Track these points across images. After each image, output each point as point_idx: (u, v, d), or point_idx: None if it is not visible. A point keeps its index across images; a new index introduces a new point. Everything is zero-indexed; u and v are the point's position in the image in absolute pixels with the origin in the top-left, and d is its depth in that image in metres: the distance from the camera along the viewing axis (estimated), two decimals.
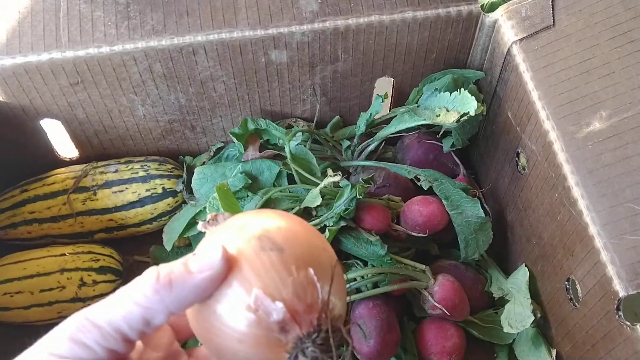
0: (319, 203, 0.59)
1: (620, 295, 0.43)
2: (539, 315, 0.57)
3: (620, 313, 0.44)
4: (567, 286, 0.51)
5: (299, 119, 0.69)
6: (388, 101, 0.69)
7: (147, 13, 0.58)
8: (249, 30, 0.58)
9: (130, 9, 0.58)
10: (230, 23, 0.58)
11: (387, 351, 0.58)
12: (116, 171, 0.66)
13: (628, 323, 0.43)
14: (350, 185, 0.58)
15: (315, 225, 0.59)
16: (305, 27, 0.59)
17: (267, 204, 0.61)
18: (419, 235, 0.61)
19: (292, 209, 0.60)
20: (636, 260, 0.43)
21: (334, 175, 0.59)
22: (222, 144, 0.71)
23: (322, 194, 0.59)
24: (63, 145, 0.68)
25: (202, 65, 0.60)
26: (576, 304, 0.50)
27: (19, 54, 0.57)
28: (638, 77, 0.49)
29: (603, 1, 0.53)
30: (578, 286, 0.49)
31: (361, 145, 0.68)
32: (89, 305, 0.62)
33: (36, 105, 0.61)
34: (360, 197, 0.58)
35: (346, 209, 0.58)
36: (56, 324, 0.65)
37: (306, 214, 0.61)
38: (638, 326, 0.42)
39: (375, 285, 0.60)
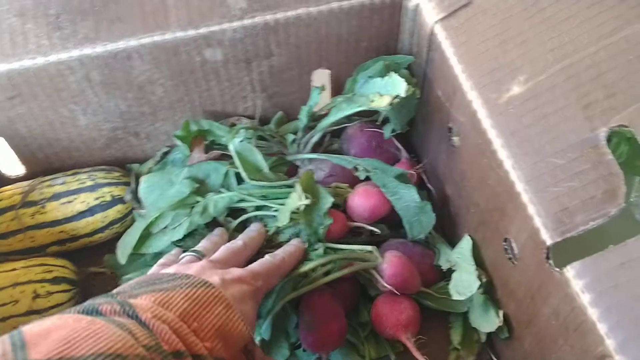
0: (287, 223, 0.59)
1: (548, 244, 0.45)
2: (484, 279, 0.59)
3: (550, 261, 0.46)
4: (505, 246, 0.54)
5: (242, 117, 0.71)
6: (329, 93, 0.71)
7: (78, 22, 0.59)
8: (180, 31, 0.60)
9: (61, 19, 0.59)
10: (161, 25, 0.60)
11: (331, 340, 0.60)
12: (63, 183, 0.66)
13: (557, 269, 0.45)
14: (323, 213, 0.59)
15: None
16: (235, 24, 0.61)
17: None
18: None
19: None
20: (559, 209, 0.46)
21: (305, 199, 0.59)
22: (168, 148, 0.72)
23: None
24: (7, 162, 0.68)
25: (138, 69, 0.62)
26: (514, 261, 0.53)
27: None
28: (549, 42, 0.52)
29: None
30: (514, 244, 0.52)
31: (305, 138, 0.70)
32: (44, 317, 0.62)
33: None
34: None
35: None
36: None
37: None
38: (565, 270, 0.44)
39: (328, 274, 0.61)
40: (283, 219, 0.58)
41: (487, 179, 0.54)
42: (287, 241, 0.60)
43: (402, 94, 0.58)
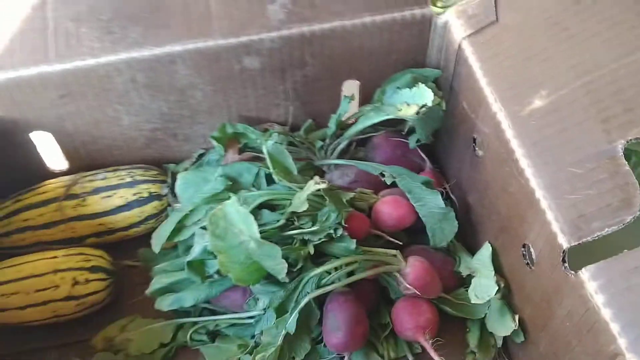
0: (305, 208, 0.62)
1: (564, 248, 0.48)
2: (502, 285, 0.61)
3: (566, 264, 0.48)
4: (524, 252, 0.56)
5: (274, 123, 0.75)
6: (357, 103, 0.75)
7: (128, 27, 0.63)
8: (222, 39, 0.64)
9: (113, 25, 0.63)
10: (205, 33, 0.64)
11: (354, 342, 0.62)
12: (104, 178, 0.70)
13: (572, 272, 0.47)
14: (335, 207, 0.61)
15: (296, 235, 0.63)
16: (273, 35, 0.65)
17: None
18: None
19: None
20: (576, 216, 0.48)
21: (320, 182, 0.62)
22: (203, 151, 0.76)
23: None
24: (53, 157, 0.72)
25: (181, 73, 0.66)
26: (531, 267, 0.55)
27: (11, 69, 0.62)
28: (571, 59, 0.55)
29: None
30: (532, 249, 0.54)
31: (332, 145, 0.74)
32: (82, 302, 0.66)
33: (27, 118, 0.66)
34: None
35: (335, 229, 0.62)
36: (50, 323, 0.69)
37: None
38: (580, 272, 0.46)
39: (351, 275, 0.64)
40: (299, 205, 0.61)
41: (508, 187, 0.56)
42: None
43: (429, 104, 0.61)
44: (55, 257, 0.65)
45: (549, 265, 0.51)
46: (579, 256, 0.47)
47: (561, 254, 0.48)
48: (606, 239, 0.47)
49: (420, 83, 0.64)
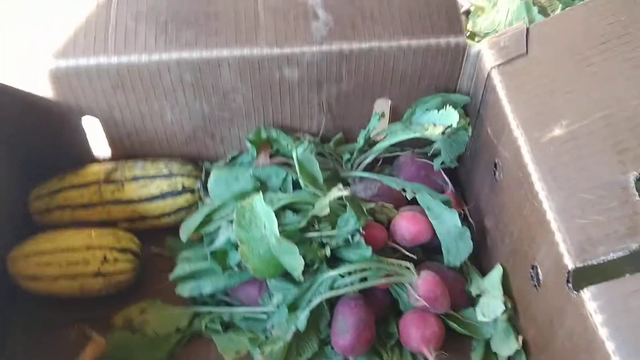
0: (327, 213, 0.66)
1: (569, 268, 0.50)
2: (509, 305, 0.63)
3: (570, 284, 0.50)
4: (532, 274, 0.58)
5: (306, 133, 0.78)
6: (387, 121, 0.78)
7: (182, 30, 0.69)
8: (267, 48, 0.69)
9: (169, 27, 0.69)
10: (251, 42, 0.69)
11: (361, 346, 0.64)
12: (143, 168, 0.75)
13: (575, 291, 0.49)
14: (355, 214, 0.64)
15: (314, 237, 0.66)
16: (314, 49, 0.69)
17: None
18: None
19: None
20: (584, 239, 0.50)
21: (343, 189, 0.66)
22: (238, 153, 0.80)
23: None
24: (98, 144, 0.77)
25: (225, 77, 0.70)
26: (538, 288, 0.57)
27: (72, 57, 0.67)
28: (593, 94, 0.58)
29: (568, 34, 0.63)
30: (539, 270, 0.56)
31: (359, 158, 0.77)
32: (109, 280, 0.70)
33: (80, 105, 0.71)
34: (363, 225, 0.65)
35: (352, 235, 0.65)
36: (75, 298, 0.73)
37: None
38: (582, 292, 0.48)
39: (364, 281, 0.66)
40: (321, 209, 0.64)
41: (522, 209, 0.59)
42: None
43: (454, 125, 0.65)
44: (89, 234, 0.70)
45: (554, 286, 0.53)
46: (582, 277, 0.49)
47: (566, 275, 0.50)
48: (610, 263, 0.49)
49: (448, 105, 0.67)
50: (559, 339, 0.53)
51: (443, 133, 0.66)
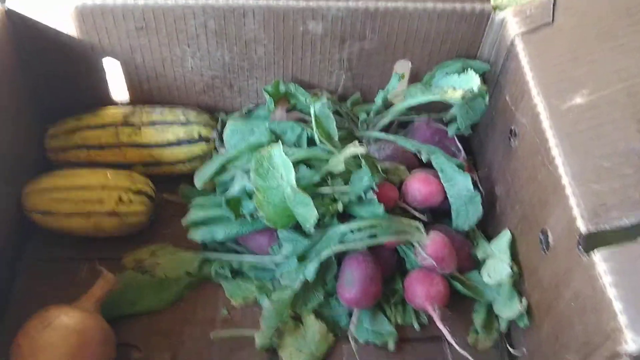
0: (341, 169, 0.67)
1: (582, 231, 0.51)
2: (515, 269, 0.64)
3: (580, 247, 0.51)
4: (541, 238, 0.59)
5: (324, 90, 0.79)
6: (406, 83, 0.79)
7: None
8: (293, 1, 0.68)
9: None
10: None
11: (366, 299, 0.66)
12: (160, 113, 0.76)
13: (585, 254, 0.50)
14: (370, 171, 0.65)
15: (327, 192, 0.67)
16: (340, 4, 0.69)
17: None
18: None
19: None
20: (598, 204, 0.51)
21: (359, 146, 0.66)
22: (253, 105, 0.80)
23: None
24: (117, 86, 0.78)
25: (249, 27, 0.70)
26: (546, 251, 0.58)
27: None
28: (616, 65, 0.58)
29: (595, 5, 0.63)
30: (550, 234, 0.57)
31: (376, 118, 0.78)
32: (123, 220, 0.71)
33: (103, 45, 0.71)
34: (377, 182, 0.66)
35: (365, 192, 0.66)
36: (88, 236, 0.74)
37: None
38: (592, 254, 0.49)
39: (373, 238, 0.67)
40: (336, 165, 0.64)
41: (537, 174, 0.60)
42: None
43: (475, 89, 0.65)
44: (105, 174, 0.71)
45: (564, 249, 0.54)
46: (594, 241, 0.50)
47: (577, 238, 0.51)
48: (622, 229, 0.50)
49: (469, 69, 0.67)
50: (564, 299, 0.54)
51: (463, 97, 0.67)
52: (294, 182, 0.62)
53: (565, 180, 0.54)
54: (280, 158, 0.63)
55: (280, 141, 0.65)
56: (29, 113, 0.74)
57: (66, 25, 0.69)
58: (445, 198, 0.71)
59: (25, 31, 0.69)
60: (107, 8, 0.68)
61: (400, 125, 0.81)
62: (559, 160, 0.56)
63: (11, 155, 0.68)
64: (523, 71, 0.64)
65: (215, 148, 0.77)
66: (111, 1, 0.67)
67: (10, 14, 0.67)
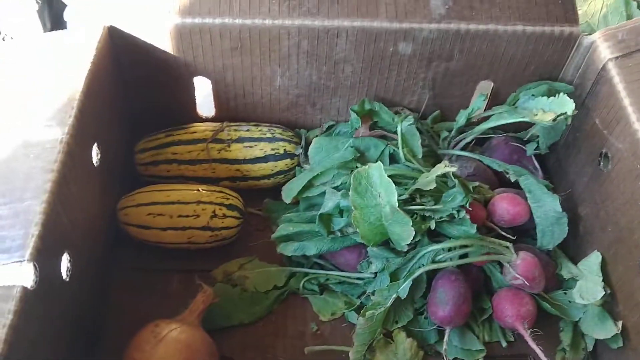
0: (432, 187, 0.67)
1: None
2: (608, 291, 0.65)
3: None
4: None
5: (405, 108, 0.80)
6: (484, 103, 0.80)
7: (305, 0, 0.70)
8: (387, 22, 0.70)
9: None
10: (372, 14, 0.70)
11: (458, 318, 0.67)
12: (248, 130, 0.77)
13: None
14: (463, 192, 0.67)
15: (417, 210, 0.68)
16: (432, 26, 0.70)
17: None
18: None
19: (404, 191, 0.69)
20: None
21: (451, 166, 0.67)
22: (333, 122, 0.82)
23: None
24: (206, 103, 0.79)
25: (340, 47, 0.72)
26: None
27: (198, 15, 0.69)
28: None
29: None
30: None
31: (458, 137, 0.79)
32: (215, 234, 0.72)
33: (197, 63, 0.73)
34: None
35: (457, 211, 0.67)
36: (181, 249, 0.76)
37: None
38: None
39: (464, 257, 0.68)
40: (426, 183, 0.66)
41: (637, 199, 0.61)
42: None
43: (569, 113, 0.66)
44: (198, 190, 0.72)
45: None
46: None
47: None
48: None
49: (560, 93, 0.69)
50: None
51: (554, 120, 0.68)
52: (395, 201, 0.64)
53: None
54: (378, 177, 0.65)
55: (379, 161, 0.66)
56: (122, 126, 0.76)
57: (164, 42, 0.71)
58: (530, 217, 0.72)
59: (124, 46, 0.71)
60: (206, 27, 0.69)
61: (477, 142, 0.82)
62: None
63: (106, 166, 0.70)
64: (619, 96, 0.65)
65: (299, 164, 0.78)
66: (210, 20, 0.69)
67: (112, 31, 0.69)
